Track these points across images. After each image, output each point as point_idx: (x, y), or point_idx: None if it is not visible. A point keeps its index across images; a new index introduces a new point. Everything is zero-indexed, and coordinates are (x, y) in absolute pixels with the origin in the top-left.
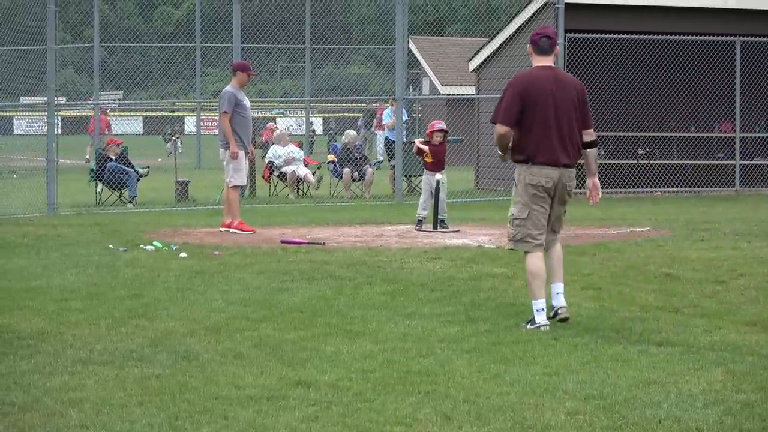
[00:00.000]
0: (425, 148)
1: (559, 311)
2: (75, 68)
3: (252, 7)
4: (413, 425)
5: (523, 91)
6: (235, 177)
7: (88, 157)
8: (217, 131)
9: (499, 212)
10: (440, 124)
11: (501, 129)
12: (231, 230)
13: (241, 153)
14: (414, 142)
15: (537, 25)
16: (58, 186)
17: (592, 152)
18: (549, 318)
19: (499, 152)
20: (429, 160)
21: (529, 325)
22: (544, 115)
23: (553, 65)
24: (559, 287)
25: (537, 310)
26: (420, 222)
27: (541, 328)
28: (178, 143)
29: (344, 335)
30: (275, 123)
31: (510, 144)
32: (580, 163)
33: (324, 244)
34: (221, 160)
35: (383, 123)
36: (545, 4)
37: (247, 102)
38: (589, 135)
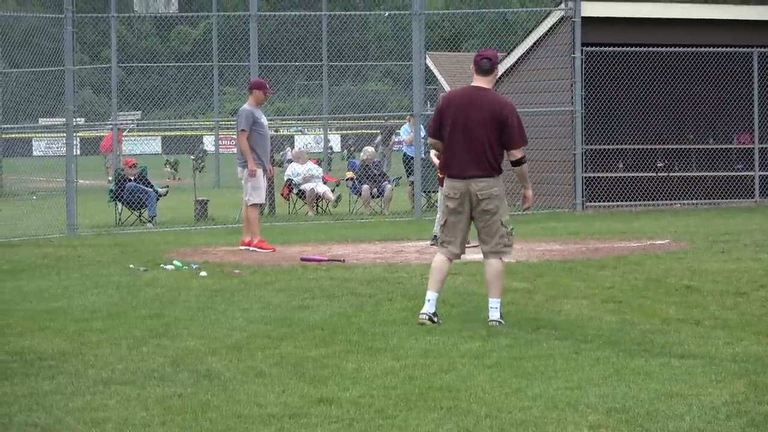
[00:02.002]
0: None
1: (490, 322)
2: (93, 89)
3: (269, 26)
4: None
5: (442, 109)
6: (254, 195)
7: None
8: (235, 150)
9: (519, 227)
10: None
11: (429, 140)
12: (251, 248)
13: (260, 171)
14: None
15: (554, 40)
16: (77, 207)
17: (518, 170)
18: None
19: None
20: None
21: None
22: (455, 133)
23: (485, 86)
24: (493, 302)
25: (426, 300)
26: (435, 238)
27: (420, 316)
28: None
29: (365, 352)
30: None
31: None
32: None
33: (344, 261)
34: (240, 178)
35: (402, 138)
36: (562, 18)
37: (264, 120)
38: (513, 155)
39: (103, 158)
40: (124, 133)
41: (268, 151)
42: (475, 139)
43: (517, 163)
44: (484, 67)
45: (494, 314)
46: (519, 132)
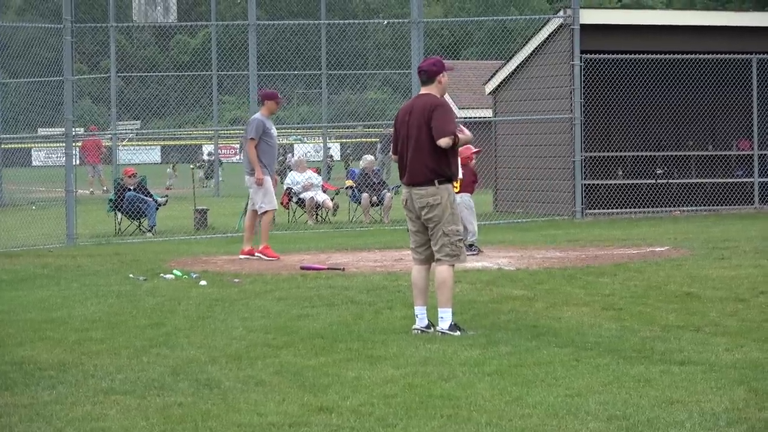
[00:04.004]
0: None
1: (436, 331)
2: (92, 99)
3: (268, 35)
4: None
5: (395, 125)
6: (266, 202)
7: (92, 188)
8: (237, 158)
9: (518, 234)
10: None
11: (392, 157)
12: (255, 255)
13: (268, 177)
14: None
15: (553, 47)
16: (77, 216)
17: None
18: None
19: None
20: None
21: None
22: (403, 144)
23: (428, 92)
24: (440, 311)
25: (415, 315)
26: (471, 246)
27: (412, 330)
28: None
29: (365, 360)
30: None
31: None
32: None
33: (344, 269)
34: (247, 186)
35: None
36: (560, 26)
37: (274, 131)
38: (440, 146)
39: (92, 168)
40: (124, 143)
41: (275, 161)
42: (417, 147)
43: (453, 148)
44: (421, 78)
45: (441, 324)
46: (443, 122)
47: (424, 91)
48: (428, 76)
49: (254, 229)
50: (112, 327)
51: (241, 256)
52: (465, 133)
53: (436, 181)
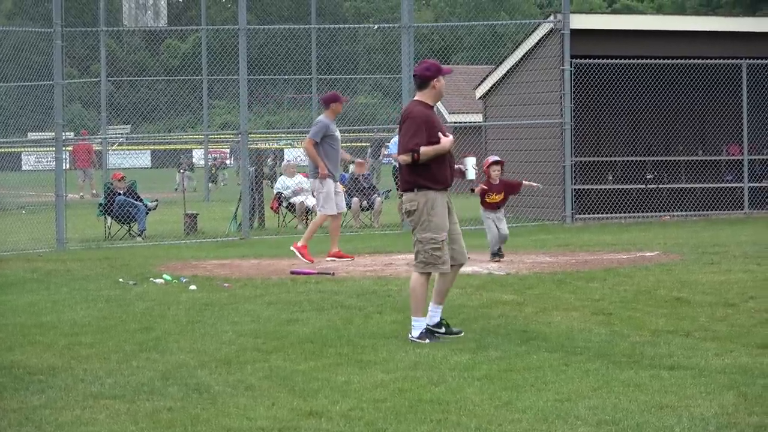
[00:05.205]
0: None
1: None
2: (82, 103)
3: (258, 39)
4: None
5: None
6: (326, 206)
7: (82, 193)
8: (228, 162)
9: (508, 239)
10: (494, 157)
11: None
12: (328, 259)
13: (330, 182)
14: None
15: (543, 52)
16: (66, 221)
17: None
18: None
19: None
20: (496, 199)
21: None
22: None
23: (420, 98)
24: (413, 320)
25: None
26: (494, 254)
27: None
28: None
29: (355, 365)
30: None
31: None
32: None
33: (333, 274)
34: (312, 189)
35: (389, 153)
36: (551, 31)
37: (338, 134)
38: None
39: (82, 173)
40: (113, 147)
41: (338, 164)
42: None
43: (413, 164)
44: (415, 83)
45: (411, 332)
46: (406, 137)
47: (418, 96)
48: (422, 81)
49: (338, 230)
50: (102, 331)
51: (328, 259)
52: (441, 142)
53: (415, 188)
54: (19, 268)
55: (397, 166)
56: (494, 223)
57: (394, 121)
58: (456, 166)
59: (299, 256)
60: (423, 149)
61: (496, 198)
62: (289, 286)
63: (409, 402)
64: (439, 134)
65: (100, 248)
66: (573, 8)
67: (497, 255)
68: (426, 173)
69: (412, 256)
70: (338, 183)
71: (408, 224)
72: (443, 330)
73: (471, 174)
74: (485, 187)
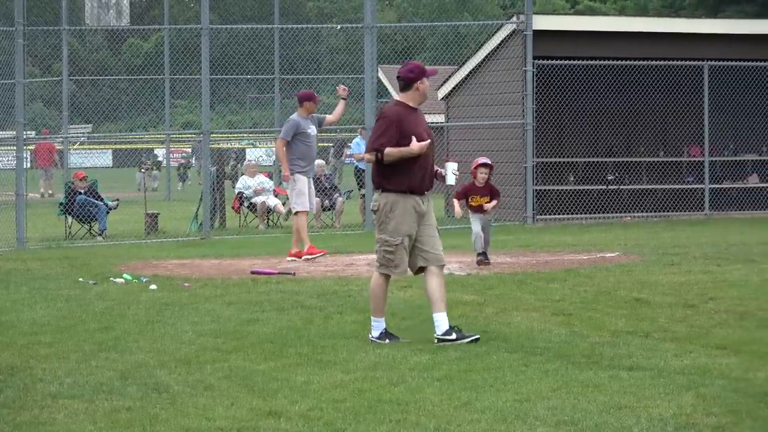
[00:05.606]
0: (459, 210)
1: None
2: (44, 102)
3: (220, 39)
4: None
5: None
6: (298, 202)
7: (42, 191)
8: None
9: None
10: (483, 159)
11: None
12: (304, 257)
13: (303, 178)
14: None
15: (506, 53)
16: (27, 220)
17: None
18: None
19: None
20: (480, 202)
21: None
22: None
23: (402, 99)
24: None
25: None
26: (481, 255)
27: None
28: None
29: (315, 365)
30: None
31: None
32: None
33: (294, 274)
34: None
35: (352, 153)
36: (513, 32)
37: (311, 131)
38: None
39: (43, 172)
40: (75, 146)
41: (313, 162)
42: None
43: (378, 163)
44: (399, 85)
45: (371, 332)
46: (374, 135)
47: (399, 97)
48: (405, 82)
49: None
50: (61, 331)
51: (288, 258)
52: (410, 146)
53: (381, 188)
54: None
55: (360, 166)
56: (479, 223)
57: (356, 121)
58: (436, 170)
59: (311, 257)
60: (388, 150)
61: (481, 201)
62: (250, 286)
63: (368, 402)
64: (413, 138)
65: (61, 247)
66: (536, 9)
67: (482, 257)
68: (392, 177)
69: (374, 256)
70: (311, 179)
71: (371, 224)
72: (453, 336)
73: (450, 179)
74: (468, 189)
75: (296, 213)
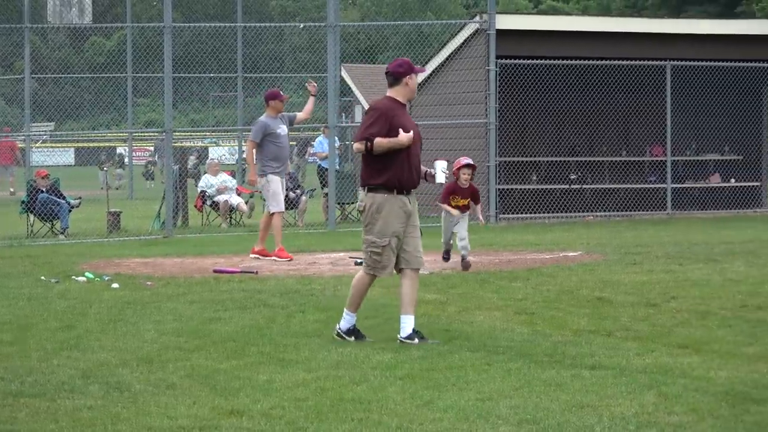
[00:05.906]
0: (453, 211)
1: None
2: (5, 100)
3: (183, 37)
4: None
5: None
6: (273, 204)
7: (12, 189)
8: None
9: (432, 238)
10: (466, 159)
11: None
12: (272, 258)
13: (276, 179)
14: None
15: (469, 52)
16: None
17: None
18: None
19: None
20: (461, 203)
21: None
22: None
23: (391, 94)
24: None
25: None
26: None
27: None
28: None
29: (277, 364)
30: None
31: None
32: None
33: (257, 272)
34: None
35: (315, 152)
36: (476, 31)
37: (282, 131)
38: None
39: (4, 170)
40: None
41: (286, 162)
42: None
43: (368, 153)
44: (388, 80)
45: (340, 323)
46: (363, 125)
47: (389, 92)
48: (394, 78)
49: (268, 229)
50: (23, 329)
51: (252, 255)
52: (399, 136)
53: (367, 186)
54: None
55: (324, 165)
56: (452, 226)
57: (320, 119)
58: (425, 170)
59: (278, 260)
60: (377, 140)
61: (462, 202)
62: (212, 285)
63: (330, 401)
64: (400, 130)
65: (22, 246)
66: (499, 9)
67: (448, 255)
68: (379, 174)
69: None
70: (284, 179)
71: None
72: (416, 341)
73: (440, 178)
74: (452, 189)
75: (272, 214)
